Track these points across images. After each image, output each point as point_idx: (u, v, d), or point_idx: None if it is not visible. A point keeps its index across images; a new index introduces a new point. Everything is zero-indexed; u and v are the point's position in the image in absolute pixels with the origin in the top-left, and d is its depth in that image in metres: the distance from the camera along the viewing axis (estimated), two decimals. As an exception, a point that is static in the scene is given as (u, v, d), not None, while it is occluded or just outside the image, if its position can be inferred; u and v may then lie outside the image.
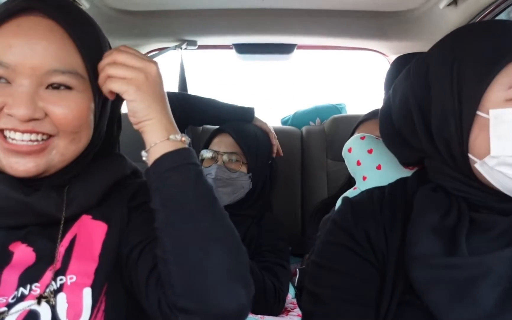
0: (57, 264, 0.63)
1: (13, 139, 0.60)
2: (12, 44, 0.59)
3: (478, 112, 0.62)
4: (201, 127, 1.79)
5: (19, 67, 0.59)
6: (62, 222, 0.65)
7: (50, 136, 0.62)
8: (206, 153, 1.41)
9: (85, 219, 0.67)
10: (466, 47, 0.65)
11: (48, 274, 0.62)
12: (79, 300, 0.62)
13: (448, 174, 0.68)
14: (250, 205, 1.43)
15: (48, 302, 0.60)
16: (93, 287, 0.63)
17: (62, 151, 0.63)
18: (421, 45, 1.55)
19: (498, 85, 0.61)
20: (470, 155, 0.64)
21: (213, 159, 1.40)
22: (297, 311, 1.26)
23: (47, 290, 0.61)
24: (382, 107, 0.78)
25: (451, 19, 1.31)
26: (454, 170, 0.67)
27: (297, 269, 1.17)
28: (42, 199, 0.63)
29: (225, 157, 1.38)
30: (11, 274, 0.61)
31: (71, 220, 0.66)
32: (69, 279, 0.62)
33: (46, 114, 0.61)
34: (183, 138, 0.64)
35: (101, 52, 0.66)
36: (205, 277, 0.57)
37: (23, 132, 0.60)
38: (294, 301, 1.33)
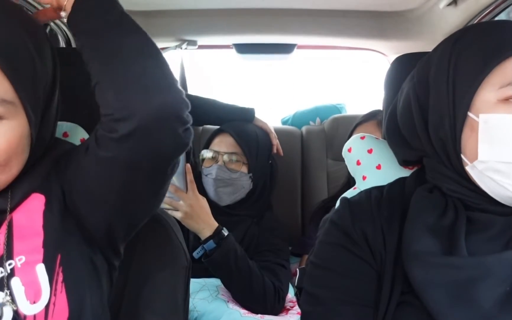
0: (0, 251, 0.61)
1: None
2: None
3: (469, 114, 0.62)
4: (201, 127, 1.79)
5: None
6: (8, 213, 0.63)
7: None
8: (207, 153, 1.41)
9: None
10: (462, 48, 0.65)
11: None
12: (34, 279, 0.61)
13: (445, 174, 0.68)
14: (250, 205, 1.44)
15: (2, 290, 0.59)
16: (45, 261, 0.62)
17: None
18: (421, 45, 1.54)
19: (490, 85, 0.61)
20: (462, 157, 0.64)
21: (214, 159, 1.40)
22: (297, 309, 1.27)
23: None
24: (391, 107, 0.78)
25: (451, 19, 1.31)
26: (450, 171, 0.67)
27: (297, 269, 1.18)
28: None
29: (225, 157, 1.38)
30: None
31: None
32: (18, 260, 0.61)
33: None
34: None
35: (35, 66, 0.62)
36: (132, 83, 0.61)
37: None
38: (294, 299, 1.33)
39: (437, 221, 0.65)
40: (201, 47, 1.84)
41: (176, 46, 1.75)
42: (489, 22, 0.71)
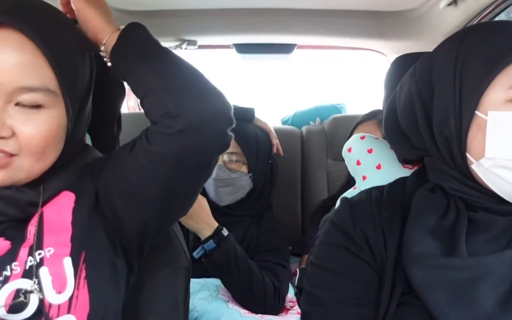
0: (30, 240, 0.63)
1: None
2: None
3: (477, 112, 0.62)
4: (201, 127, 1.79)
5: None
6: (39, 207, 0.65)
7: (11, 155, 0.60)
8: (206, 153, 1.41)
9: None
10: (470, 47, 0.65)
11: (23, 251, 0.63)
12: (61, 271, 0.63)
13: (447, 173, 0.68)
14: (250, 205, 1.44)
15: (31, 278, 0.61)
16: (72, 255, 0.64)
17: (27, 170, 0.62)
18: (421, 45, 1.54)
19: (499, 85, 0.61)
20: (468, 155, 0.64)
21: (213, 159, 1.40)
22: (297, 309, 1.27)
23: (27, 267, 0.62)
24: (388, 103, 0.78)
25: (451, 19, 1.31)
26: (453, 170, 0.67)
27: (297, 269, 1.18)
28: (14, 193, 0.64)
29: (225, 157, 1.38)
30: None
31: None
32: (47, 251, 0.63)
33: (13, 133, 0.59)
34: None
35: (77, 63, 0.66)
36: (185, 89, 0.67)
37: None
38: (294, 299, 1.33)
39: (438, 221, 0.64)
40: (201, 47, 1.84)
41: (176, 46, 1.75)
42: (495, 22, 0.71)
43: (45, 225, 0.65)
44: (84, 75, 0.68)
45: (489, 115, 0.61)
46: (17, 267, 0.62)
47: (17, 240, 0.63)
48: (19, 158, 0.61)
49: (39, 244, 0.64)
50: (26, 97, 0.59)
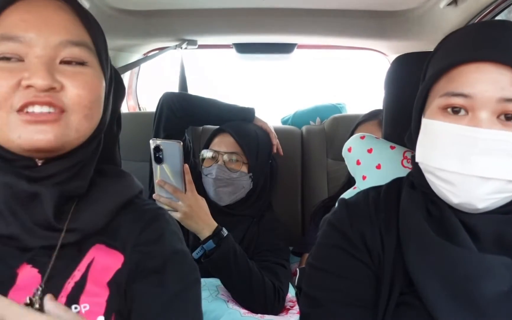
0: (68, 289, 0.60)
1: (32, 112, 0.59)
2: (25, 19, 0.60)
3: (422, 117, 0.66)
4: (201, 127, 1.79)
5: (33, 41, 0.59)
6: (62, 236, 0.62)
7: (61, 111, 0.61)
8: (207, 153, 1.41)
9: (100, 247, 0.65)
10: (434, 52, 0.67)
11: (61, 301, 0.59)
12: None
13: (419, 170, 0.69)
14: (251, 205, 1.43)
15: None
16: (105, 315, 0.61)
17: (77, 128, 0.62)
18: (421, 45, 1.55)
19: (436, 92, 0.63)
20: None
21: (214, 159, 1.40)
22: (297, 308, 1.26)
23: None
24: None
25: (451, 18, 1.31)
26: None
27: (297, 269, 1.18)
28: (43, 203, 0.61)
29: (225, 157, 1.38)
30: (17, 298, 0.58)
31: (77, 244, 0.63)
32: (82, 307, 0.60)
33: (62, 87, 0.60)
34: None
35: (103, 35, 0.68)
36: None
37: (41, 104, 0.59)
38: (294, 299, 1.33)
39: (428, 213, 0.66)
40: (201, 47, 1.84)
41: (176, 46, 1.75)
42: (466, 26, 0.72)
43: (89, 277, 0.62)
44: (109, 70, 0.69)
45: (423, 121, 0.65)
46: None
47: (52, 280, 0.60)
48: (68, 115, 0.61)
49: (76, 296, 0.60)
50: (70, 53, 0.61)
